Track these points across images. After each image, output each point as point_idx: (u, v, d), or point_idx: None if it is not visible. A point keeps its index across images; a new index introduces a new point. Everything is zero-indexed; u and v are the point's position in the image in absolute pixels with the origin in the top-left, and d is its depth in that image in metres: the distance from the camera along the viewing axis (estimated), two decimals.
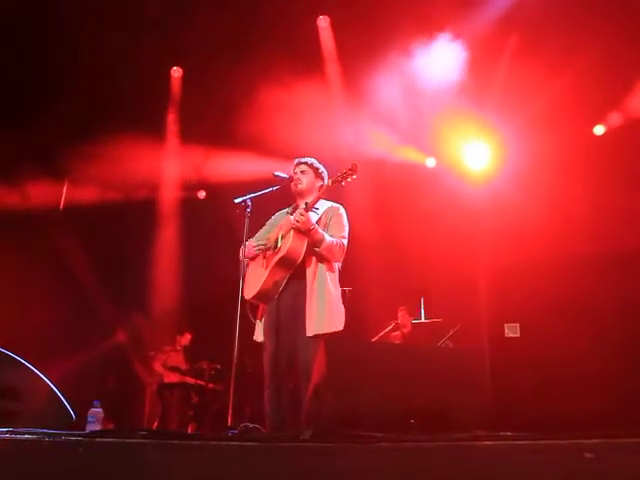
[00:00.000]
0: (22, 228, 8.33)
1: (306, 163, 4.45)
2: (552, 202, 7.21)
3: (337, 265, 4.28)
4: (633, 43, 6.61)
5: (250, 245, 4.31)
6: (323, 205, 4.36)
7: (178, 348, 8.81)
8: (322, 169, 4.48)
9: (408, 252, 7.67)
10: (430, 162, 8.77)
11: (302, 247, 4.07)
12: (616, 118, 7.64)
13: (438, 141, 8.26)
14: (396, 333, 7.46)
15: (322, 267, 4.15)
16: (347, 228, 4.33)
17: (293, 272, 4.12)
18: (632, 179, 6.78)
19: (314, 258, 4.14)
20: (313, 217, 4.16)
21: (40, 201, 9.05)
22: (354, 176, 4.07)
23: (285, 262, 4.09)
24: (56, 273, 8.48)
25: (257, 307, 4.35)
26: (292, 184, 4.39)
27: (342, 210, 4.39)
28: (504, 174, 7.86)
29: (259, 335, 4.28)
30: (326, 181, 4.41)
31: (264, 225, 4.60)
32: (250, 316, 4.28)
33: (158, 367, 8.57)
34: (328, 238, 4.14)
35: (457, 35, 7.39)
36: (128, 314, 8.98)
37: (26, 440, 2.63)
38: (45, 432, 2.71)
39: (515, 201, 7.17)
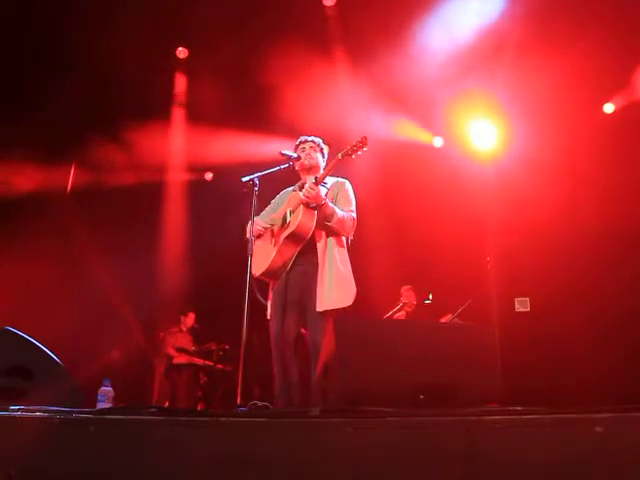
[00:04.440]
0: (29, 212, 8.33)
1: (313, 141, 4.49)
2: (559, 180, 7.17)
3: (346, 240, 4.27)
4: None
5: (257, 223, 4.28)
6: (329, 180, 4.35)
7: (183, 329, 8.84)
8: (326, 151, 4.54)
9: (416, 231, 7.66)
10: (437, 141, 8.75)
11: (312, 222, 4.05)
12: (624, 97, 7.57)
13: (446, 121, 8.22)
14: (401, 313, 7.44)
15: (332, 242, 4.14)
16: (355, 202, 4.32)
17: (302, 248, 4.11)
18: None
19: (324, 233, 4.12)
20: (322, 191, 4.15)
21: (47, 185, 9.05)
22: (365, 149, 4.04)
23: (295, 237, 4.08)
24: (62, 253, 8.46)
25: (267, 288, 4.35)
26: (301, 160, 4.38)
27: (348, 184, 4.39)
28: (511, 153, 7.81)
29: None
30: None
31: (269, 204, 4.59)
32: (260, 298, 4.26)
33: (167, 349, 8.61)
34: (339, 212, 4.12)
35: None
36: (135, 295, 8.98)
37: (37, 417, 2.65)
38: (56, 410, 2.73)
39: (522, 179, 7.12)
